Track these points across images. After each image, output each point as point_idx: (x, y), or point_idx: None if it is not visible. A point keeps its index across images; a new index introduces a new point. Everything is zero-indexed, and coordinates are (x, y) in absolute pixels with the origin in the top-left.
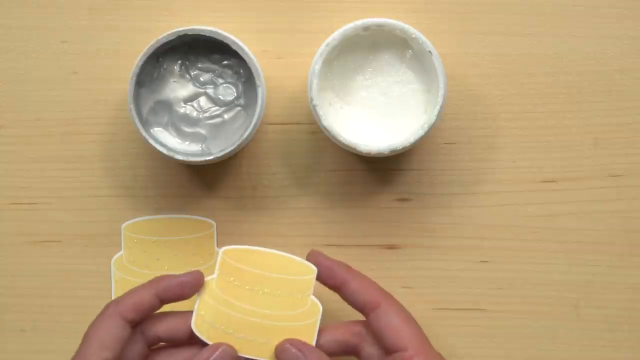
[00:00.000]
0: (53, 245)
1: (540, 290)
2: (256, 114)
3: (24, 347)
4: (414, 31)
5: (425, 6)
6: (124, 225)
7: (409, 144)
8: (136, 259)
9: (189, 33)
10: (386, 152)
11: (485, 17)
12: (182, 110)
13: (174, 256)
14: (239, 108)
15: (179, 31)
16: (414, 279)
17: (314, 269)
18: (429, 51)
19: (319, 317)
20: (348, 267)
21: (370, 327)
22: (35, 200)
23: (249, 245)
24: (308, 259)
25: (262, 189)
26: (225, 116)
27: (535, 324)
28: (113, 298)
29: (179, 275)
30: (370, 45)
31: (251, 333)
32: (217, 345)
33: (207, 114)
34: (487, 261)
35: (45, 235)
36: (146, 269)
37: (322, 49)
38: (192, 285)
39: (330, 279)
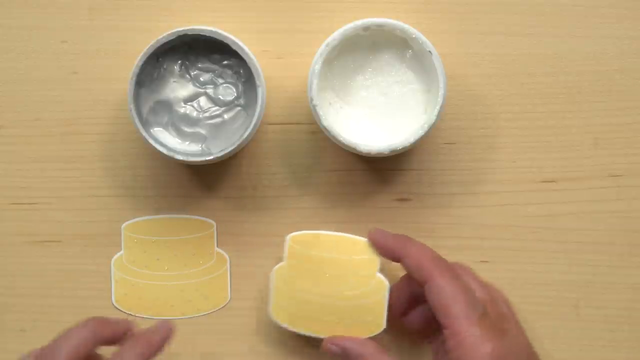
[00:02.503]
0: (53, 245)
1: (540, 290)
2: (256, 114)
3: (24, 347)
4: (414, 31)
5: (425, 6)
6: (124, 225)
7: (409, 144)
8: (136, 259)
9: (189, 33)
10: (386, 152)
11: (485, 17)
12: (182, 110)
13: (174, 256)
14: (239, 108)
15: (179, 31)
16: None
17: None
18: (429, 51)
19: (387, 293)
20: (404, 241)
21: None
22: (35, 200)
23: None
24: (368, 238)
25: (262, 189)
26: (225, 116)
27: (535, 324)
28: (113, 298)
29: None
30: (370, 45)
31: (324, 314)
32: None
33: (207, 114)
34: (487, 261)
35: (45, 235)
36: (146, 269)
37: (322, 49)
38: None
39: (388, 255)
